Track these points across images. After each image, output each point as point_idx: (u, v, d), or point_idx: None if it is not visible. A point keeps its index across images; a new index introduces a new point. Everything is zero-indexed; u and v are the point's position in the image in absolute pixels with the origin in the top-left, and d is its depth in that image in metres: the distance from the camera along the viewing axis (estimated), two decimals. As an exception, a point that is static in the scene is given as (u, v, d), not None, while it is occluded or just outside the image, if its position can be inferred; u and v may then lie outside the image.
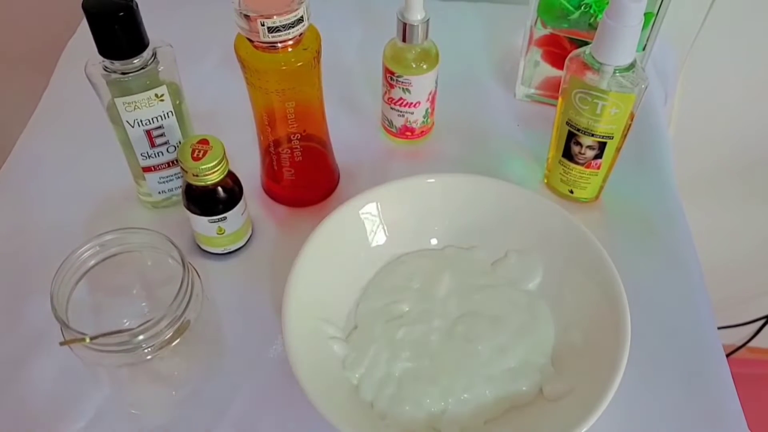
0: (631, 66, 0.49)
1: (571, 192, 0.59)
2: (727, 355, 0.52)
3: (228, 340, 0.50)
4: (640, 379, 0.47)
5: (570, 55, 0.52)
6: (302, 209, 0.59)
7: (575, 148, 0.55)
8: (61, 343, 0.40)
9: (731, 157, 0.92)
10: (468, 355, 0.47)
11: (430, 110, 0.62)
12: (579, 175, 0.57)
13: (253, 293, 0.53)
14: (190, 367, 0.48)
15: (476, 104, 0.69)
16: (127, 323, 0.47)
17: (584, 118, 0.52)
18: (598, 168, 0.56)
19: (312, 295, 0.47)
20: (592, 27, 0.59)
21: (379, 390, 0.46)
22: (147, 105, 0.50)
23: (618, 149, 0.54)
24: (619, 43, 0.47)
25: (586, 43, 0.51)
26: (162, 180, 0.56)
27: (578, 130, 0.54)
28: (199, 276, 0.44)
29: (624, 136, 0.53)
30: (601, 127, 0.52)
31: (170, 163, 0.55)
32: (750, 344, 1.13)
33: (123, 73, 0.47)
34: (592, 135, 0.53)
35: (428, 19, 0.55)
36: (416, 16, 0.55)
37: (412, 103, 0.60)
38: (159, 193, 0.57)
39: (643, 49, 0.61)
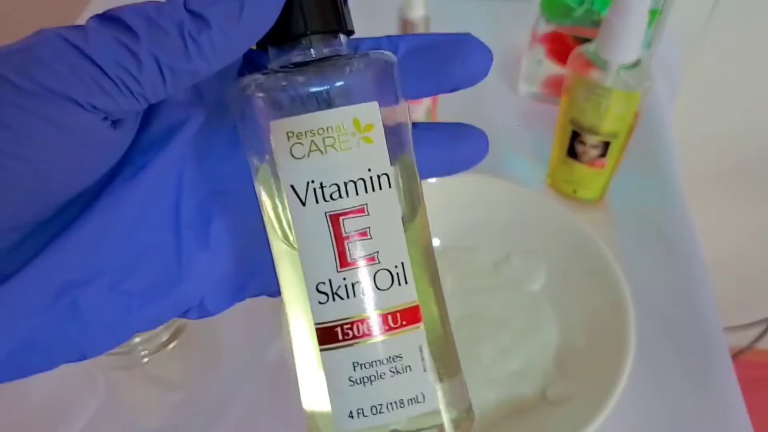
0: (636, 64, 0.49)
1: (575, 192, 0.58)
2: (733, 357, 0.51)
3: (225, 343, 0.50)
4: (644, 381, 0.46)
5: (573, 52, 0.51)
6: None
7: (579, 147, 0.54)
8: (57, 346, 0.39)
9: (738, 156, 0.91)
10: (470, 358, 0.46)
11: (431, 108, 0.61)
12: (583, 174, 0.56)
13: (251, 294, 0.52)
14: (186, 370, 0.47)
15: (478, 102, 0.68)
16: (123, 325, 0.47)
17: (588, 117, 0.52)
18: (603, 167, 0.55)
19: (311, 297, 0.46)
20: (596, 24, 0.58)
21: (379, 393, 0.45)
22: None
23: (623, 148, 0.54)
24: (623, 41, 0.47)
25: (590, 41, 0.51)
26: None
27: (582, 128, 0.53)
28: (196, 277, 0.44)
29: (629, 135, 0.53)
30: (606, 126, 0.52)
31: None
32: (756, 346, 1.12)
33: None
34: (597, 134, 0.52)
35: (429, 17, 0.55)
36: (417, 13, 0.54)
37: (413, 101, 0.59)
38: None
39: (648, 46, 0.60)
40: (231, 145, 0.22)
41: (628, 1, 0.45)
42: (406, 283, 0.20)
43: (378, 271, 0.20)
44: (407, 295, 0.20)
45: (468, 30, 0.23)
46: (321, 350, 0.20)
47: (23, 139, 0.17)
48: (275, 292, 0.23)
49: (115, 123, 0.19)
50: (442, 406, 0.21)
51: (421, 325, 0.20)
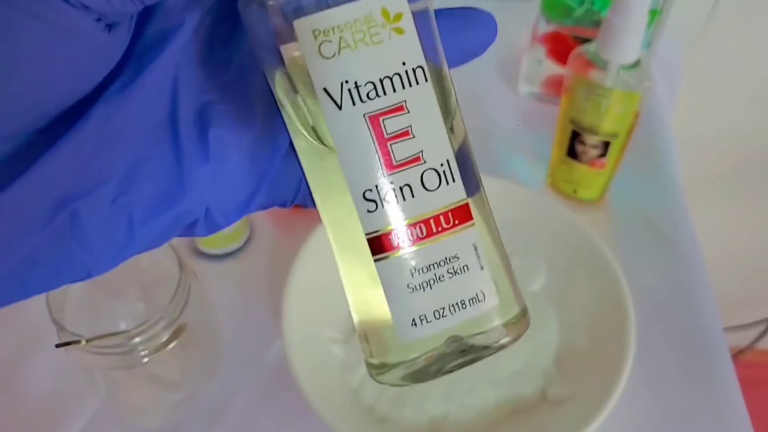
0: (636, 64, 0.48)
1: (575, 192, 0.58)
2: (733, 357, 0.51)
3: (226, 343, 0.50)
4: (644, 381, 0.46)
5: (574, 52, 0.51)
6: (301, 209, 0.58)
7: (579, 147, 0.54)
8: (57, 346, 0.39)
9: (738, 156, 0.91)
10: (470, 358, 0.46)
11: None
12: (583, 174, 0.56)
13: (251, 295, 0.52)
14: (187, 370, 0.47)
15: (478, 102, 0.68)
16: (123, 325, 0.47)
17: (588, 117, 0.52)
18: (603, 167, 0.55)
19: (311, 297, 0.46)
20: (596, 24, 0.58)
21: (379, 394, 0.45)
22: None
23: (623, 148, 0.54)
24: (623, 41, 0.47)
25: (590, 41, 0.51)
26: None
27: (582, 128, 0.53)
28: (196, 277, 0.44)
29: (629, 135, 0.52)
30: (606, 126, 0.52)
31: None
32: (756, 346, 1.12)
33: None
34: (597, 134, 0.52)
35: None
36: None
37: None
38: None
39: (648, 46, 0.60)
40: (231, 50, 0.21)
41: (628, 1, 0.45)
42: (454, 181, 0.20)
43: (425, 171, 0.19)
44: (456, 194, 0.20)
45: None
46: (375, 261, 0.19)
47: (9, 35, 0.16)
48: (286, 202, 0.22)
49: (110, 26, 0.18)
50: (502, 304, 0.20)
51: (474, 222, 0.20)
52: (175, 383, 0.47)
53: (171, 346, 0.41)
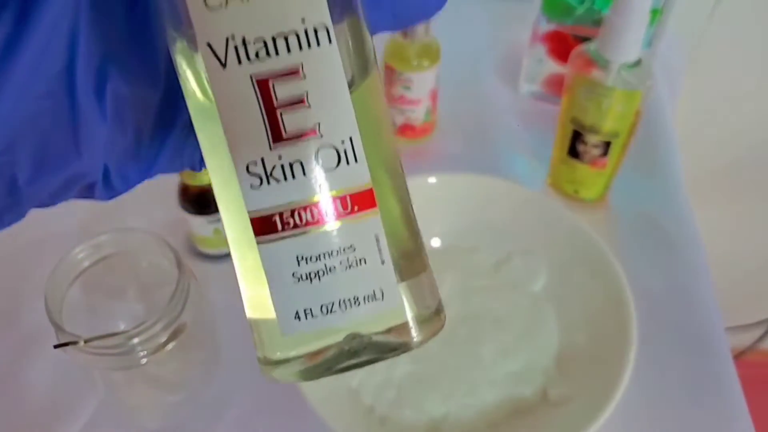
0: (637, 63, 0.48)
1: (577, 192, 0.58)
2: (735, 358, 0.51)
3: (225, 343, 0.49)
4: (646, 381, 0.46)
5: (575, 51, 0.51)
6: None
7: (580, 147, 0.54)
8: (56, 346, 0.39)
9: (739, 155, 0.91)
10: (470, 358, 0.46)
11: (431, 108, 0.61)
12: (584, 174, 0.56)
13: (251, 295, 0.52)
14: (186, 370, 0.47)
15: (479, 102, 0.68)
16: (122, 326, 0.47)
17: (589, 116, 0.52)
18: (604, 167, 0.55)
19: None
20: (597, 23, 0.58)
21: (379, 394, 0.45)
22: None
23: (624, 148, 0.53)
24: (624, 40, 0.47)
25: (591, 40, 0.50)
26: None
27: (583, 128, 0.53)
28: (195, 278, 0.44)
29: (630, 134, 0.52)
30: (607, 125, 0.51)
31: None
32: (759, 346, 1.12)
33: None
34: (598, 133, 0.52)
35: (430, 16, 0.54)
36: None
37: (412, 101, 0.59)
38: None
39: (649, 45, 0.60)
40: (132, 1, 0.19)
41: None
42: (356, 161, 0.17)
43: (321, 147, 0.17)
44: (358, 176, 0.17)
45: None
46: (258, 243, 0.17)
47: None
48: (194, 166, 0.21)
49: None
50: (405, 303, 0.18)
51: (377, 210, 0.17)
52: (174, 384, 0.47)
53: (170, 346, 0.41)
